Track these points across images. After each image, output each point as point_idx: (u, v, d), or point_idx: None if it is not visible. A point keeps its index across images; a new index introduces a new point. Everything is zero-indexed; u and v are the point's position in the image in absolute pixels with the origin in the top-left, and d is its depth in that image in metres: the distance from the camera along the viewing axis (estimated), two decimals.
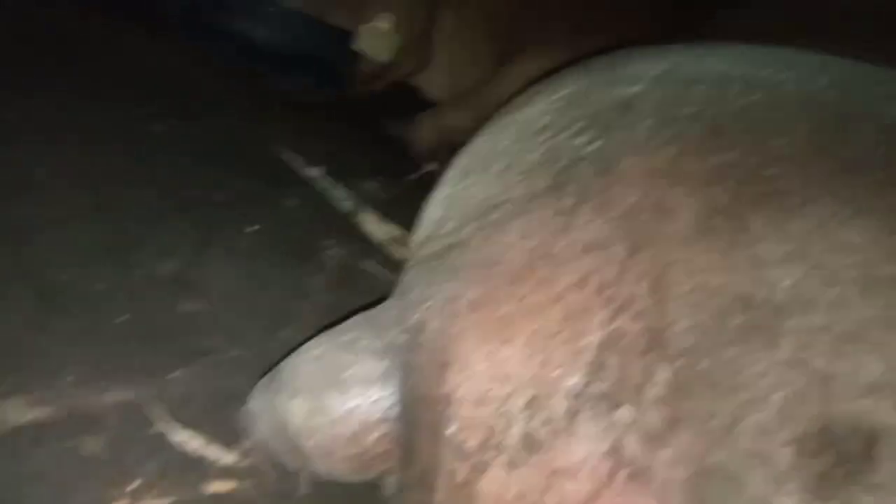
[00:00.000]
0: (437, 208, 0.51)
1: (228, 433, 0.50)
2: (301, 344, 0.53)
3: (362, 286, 0.73)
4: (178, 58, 0.97)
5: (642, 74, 0.44)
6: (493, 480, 0.36)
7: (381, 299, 0.51)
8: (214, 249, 0.70)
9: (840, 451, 0.27)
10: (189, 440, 0.49)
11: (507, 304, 0.38)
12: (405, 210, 0.86)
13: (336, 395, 0.42)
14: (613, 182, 0.38)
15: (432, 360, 0.40)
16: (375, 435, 0.42)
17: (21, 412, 0.47)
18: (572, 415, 0.34)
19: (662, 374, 0.32)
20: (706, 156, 0.36)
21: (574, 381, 0.34)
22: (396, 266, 0.77)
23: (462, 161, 0.53)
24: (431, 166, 0.95)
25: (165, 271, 0.66)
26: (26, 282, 0.58)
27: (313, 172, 0.88)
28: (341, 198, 0.85)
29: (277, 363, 0.55)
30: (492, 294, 0.39)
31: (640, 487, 0.31)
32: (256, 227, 0.74)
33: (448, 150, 1.02)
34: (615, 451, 0.32)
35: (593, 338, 0.34)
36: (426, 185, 0.93)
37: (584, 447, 0.33)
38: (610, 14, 0.96)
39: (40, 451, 0.46)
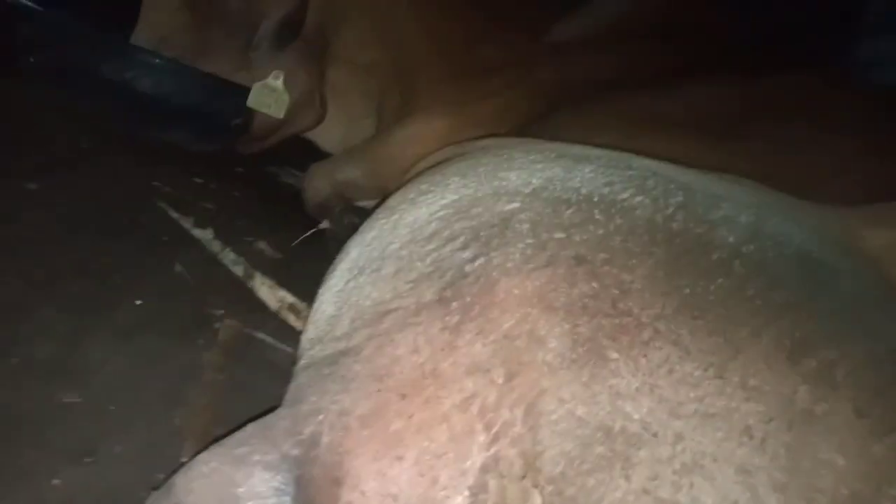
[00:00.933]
0: (329, 304, 0.53)
1: None
2: (188, 440, 0.52)
3: (256, 359, 0.72)
4: (52, 111, 0.92)
5: (521, 188, 0.49)
6: None
7: (272, 386, 0.52)
8: (95, 328, 0.67)
9: None
10: None
11: (397, 421, 0.41)
12: (298, 273, 0.87)
13: None
14: (493, 304, 0.42)
15: (325, 476, 0.41)
16: None
17: None
18: None
19: (536, 500, 0.35)
20: (572, 287, 0.40)
21: (458, 502, 0.37)
22: (290, 335, 0.77)
23: (353, 255, 0.54)
24: (323, 224, 0.95)
25: (43, 355, 0.63)
26: None
27: (202, 233, 0.86)
28: (232, 261, 0.84)
29: (163, 458, 0.54)
30: (382, 410, 0.42)
31: None
32: (141, 301, 0.72)
33: (340, 204, 1.04)
34: None
35: (476, 461, 0.38)
36: (318, 245, 0.94)
37: None
38: (492, 72, 1.01)
39: None
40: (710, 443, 0.34)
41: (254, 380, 0.68)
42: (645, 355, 0.37)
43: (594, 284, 0.40)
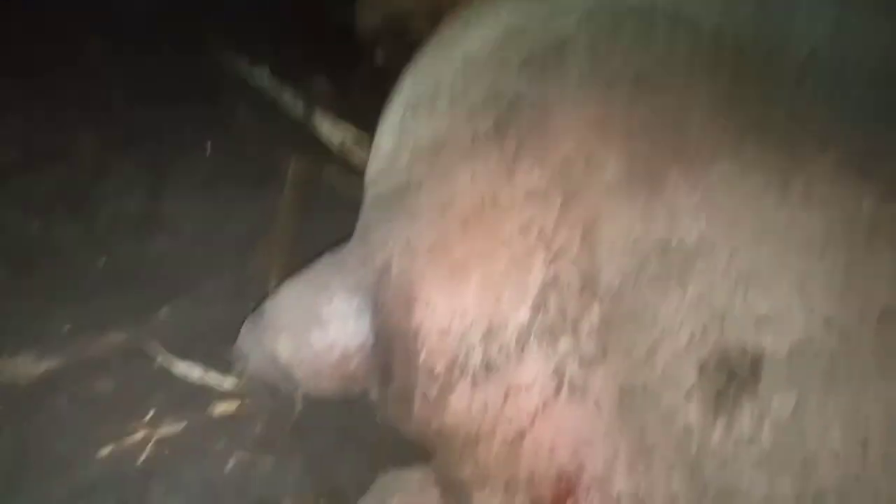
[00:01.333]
0: (388, 139, 0.54)
1: (220, 361, 0.56)
2: (272, 276, 0.57)
3: (325, 196, 0.75)
4: None
5: (577, 7, 0.46)
6: (461, 397, 0.42)
7: (343, 220, 0.54)
8: (173, 182, 0.71)
9: (732, 372, 0.34)
10: (189, 370, 0.55)
11: (461, 247, 0.43)
12: (356, 107, 0.86)
13: (317, 331, 0.48)
14: (549, 131, 0.42)
15: (398, 298, 0.45)
16: (355, 362, 0.48)
17: (32, 366, 0.52)
18: (522, 344, 0.40)
19: (594, 311, 0.38)
20: (631, 108, 0.39)
21: (522, 315, 0.40)
22: (356, 169, 0.79)
23: (407, 88, 0.54)
24: (379, 59, 0.93)
25: (130, 209, 0.68)
26: None
27: (258, 75, 0.86)
28: (291, 102, 0.84)
29: (251, 292, 0.59)
30: (446, 239, 0.44)
31: (579, 401, 0.38)
32: (211, 152, 0.75)
33: (394, 36, 1.00)
34: (558, 373, 0.39)
35: (536, 279, 0.40)
36: (373, 78, 0.93)
37: (533, 369, 0.40)
38: None
39: (58, 398, 0.52)
40: (768, 253, 0.35)
41: (325, 216, 0.71)
42: (705, 173, 0.37)
43: (654, 104, 0.39)
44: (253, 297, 0.62)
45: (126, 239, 0.64)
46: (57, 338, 0.54)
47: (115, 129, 0.74)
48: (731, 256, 0.35)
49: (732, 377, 0.34)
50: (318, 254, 0.52)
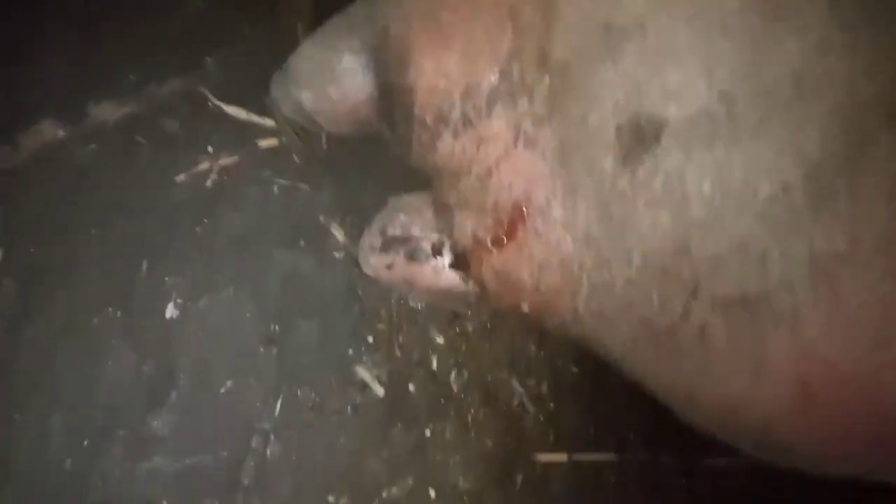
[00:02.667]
0: None
1: (261, 103, 0.67)
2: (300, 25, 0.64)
3: None
4: None
5: None
6: (445, 143, 0.53)
7: None
8: None
9: (641, 135, 0.43)
10: (237, 111, 0.67)
11: (446, 14, 0.50)
12: None
13: (331, 84, 0.57)
14: None
15: (396, 59, 0.53)
16: (365, 110, 0.58)
17: (113, 111, 0.64)
18: (491, 103, 0.49)
19: (546, 81, 0.46)
20: None
21: (492, 80, 0.49)
22: None
23: None
24: None
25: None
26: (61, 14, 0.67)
27: None
28: None
29: (283, 40, 0.67)
30: (434, 5, 0.50)
31: (531, 150, 0.48)
32: None
33: None
34: (516, 128, 0.48)
35: (504, 50, 0.47)
36: None
37: (498, 124, 0.49)
38: None
39: (140, 137, 0.65)
40: (688, 36, 0.41)
41: None
42: None
43: None
44: (284, 46, 0.70)
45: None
46: (127, 86, 0.65)
47: None
48: (658, 37, 0.42)
49: (641, 139, 0.43)
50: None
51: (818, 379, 0.40)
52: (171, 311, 0.60)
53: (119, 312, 0.61)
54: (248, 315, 0.61)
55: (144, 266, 0.61)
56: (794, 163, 0.39)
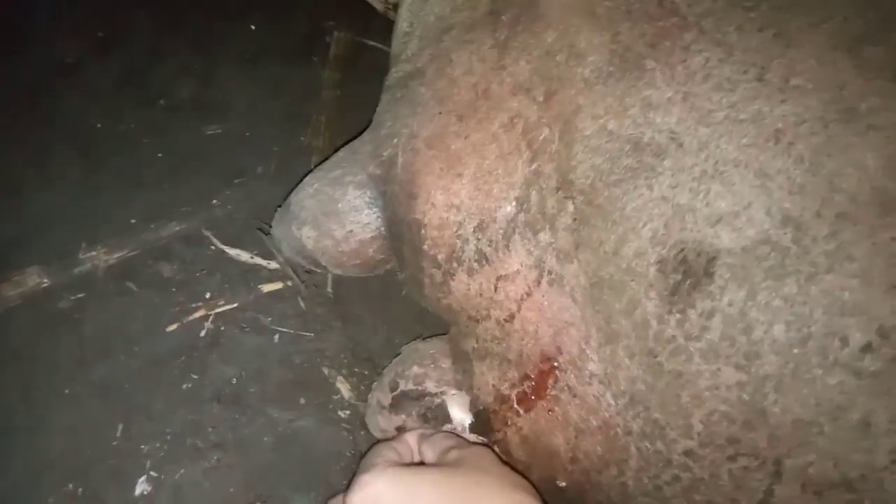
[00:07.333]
0: (404, 19, 0.54)
1: (266, 245, 0.62)
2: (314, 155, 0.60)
3: (369, 66, 0.76)
4: None
5: None
6: (460, 283, 0.46)
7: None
8: (222, 60, 0.74)
9: (688, 269, 0.35)
10: (240, 254, 0.62)
11: (456, 141, 0.45)
12: None
13: (334, 222, 0.52)
14: (537, 17, 0.41)
15: (403, 192, 0.48)
16: (372, 248, 0.53)
17: (105, 257, 0.60)
18: (508, 238, 0.42)
19: (570, 208, 0.39)
20: None
21: (507, 211, 0.42)
22: None
23: None
24: None
25: (185, 95, 0.73)
26: (67, 142, 0.66)
27: None
28: None
29: (296, 173, 0.64)
30: (444, 133, 0.45)
31: (557, 290, 0.41)
32: (255, 25, 0.77)
33: None
34: (539, 265, 0.41)
35: (520, 176, 0.41)
36: None
37: (517, 260, 0.42)
38: None
39: (132, 284, 0.60)
40: (734, 149, 0.34)
41: (368, 90, 0.73)
42: (684, 61, 0.36)
43: None
44: (298, 178, 0.67)
45: (181, 126, 0.69)
46: (124, 231, 0.62)
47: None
48: (698, 153, 0.35)
49: (688, 274, 0.35)
50: (360, 130, 0.55)
51: None
52: (141, 487, 0.52)
53: (80, 489, 0.52)
54: (231, 490, 0.52)
55: (119, 429, 0.54)
56: (889, 301, 0.31)
